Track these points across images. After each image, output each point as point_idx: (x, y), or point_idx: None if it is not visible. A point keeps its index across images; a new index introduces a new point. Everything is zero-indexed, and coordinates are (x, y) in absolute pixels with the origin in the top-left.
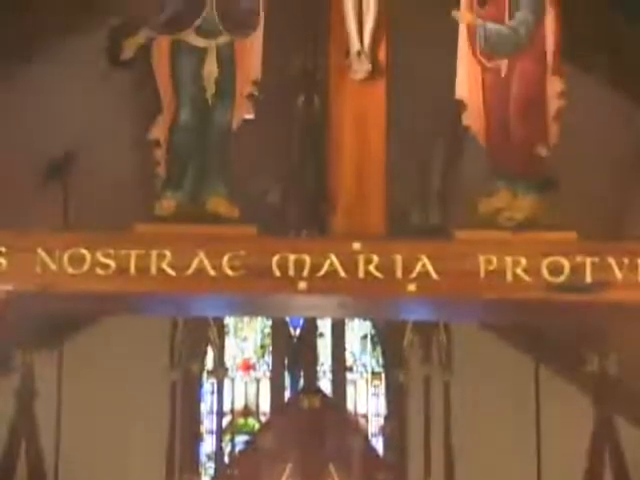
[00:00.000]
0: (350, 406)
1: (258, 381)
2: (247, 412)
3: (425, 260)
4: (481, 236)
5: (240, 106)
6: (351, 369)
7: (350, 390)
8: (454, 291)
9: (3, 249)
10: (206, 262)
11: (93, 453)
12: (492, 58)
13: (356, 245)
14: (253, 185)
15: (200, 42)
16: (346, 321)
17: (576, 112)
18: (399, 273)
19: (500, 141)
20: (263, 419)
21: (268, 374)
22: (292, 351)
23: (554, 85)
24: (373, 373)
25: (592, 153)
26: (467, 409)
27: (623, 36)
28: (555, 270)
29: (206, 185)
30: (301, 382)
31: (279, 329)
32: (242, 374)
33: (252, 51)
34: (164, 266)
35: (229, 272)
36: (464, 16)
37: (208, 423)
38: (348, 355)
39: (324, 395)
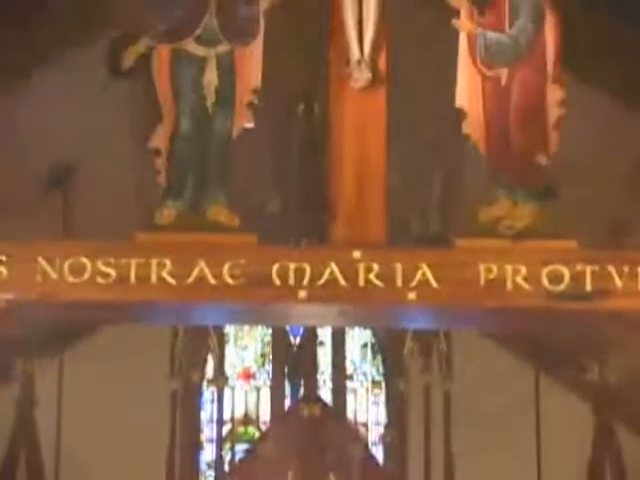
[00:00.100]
0: (350, 415)
1: (258, 390)
2: (247, 421)
3: (425, 268)
4: (481, 244)
5: (240, 115)
6: (351, 378)
7: (350, 399)
8: (454, 299)
9: (4, 258)
10: (206, 271)
11: (93, 461)
12: (492, 67)
13: (356, 254)
14: (253, 194)
15: (200, 51)
16: (346, 330)
17: (576, 121)
18: (399, 281)
19: (500, 150)
20: (263, 428)
21: (268, 383)
22: (292, 360)
23: (554, 94)
24: (373, 382)
25: (592, 162)
26: (467, 418)
27: (623, 45)
28: (555, 279)
29: (206, 194)
30: (301, 391)
31: (279, 338)
32: (242, 383)
33: (252, 60)
34: (164, 275)
35: (229, 281)
36: (464, 25)
37: (208, 431)
38: (348, 364)
39: (324, 404)
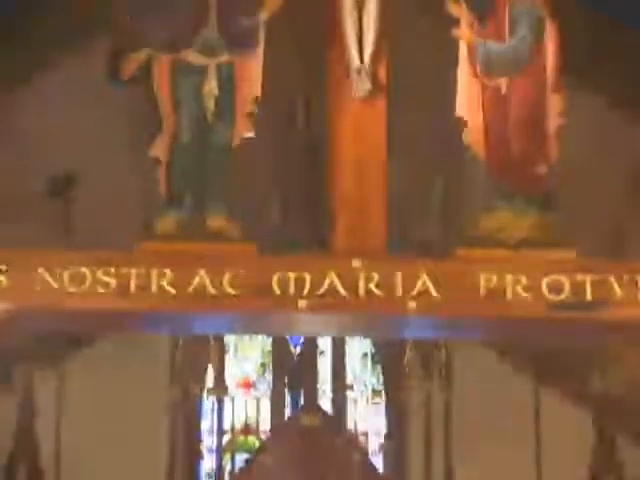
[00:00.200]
0: (350, 424)
1: (258, 399)
2: (247, 430)
3: (425, 278)
4: (481, 254)
5: (240, 124)
6: (351, 387)
7: (350, 408)
8: (454, 309)
9: (4, 267)
10: (207, 280)
11: (93, 470)
12: (492, 76)
13: (356, 263)
14: (253, 203)
15: (200, 60)
16: (346, 339)
17: (576, 130)
18: (399, 291)
19: (500, 159)
20: (263, 437)
21: (268, 392)
22: (292, 369)
23: (554, 103)
24: (373, 391)
25: (592, 171)
26: (467, 427)
27: (623, 53)
28: (555, 288)
29: (206, 203)
30: (301, 400)
31: (279, 347)
32: (242, 392)
33: (252, 70)
34: (165, 284)
35: (229, 290)
36: (464, 34)
37: (208, 441)
38: (348, 373)
39: (324, 413)
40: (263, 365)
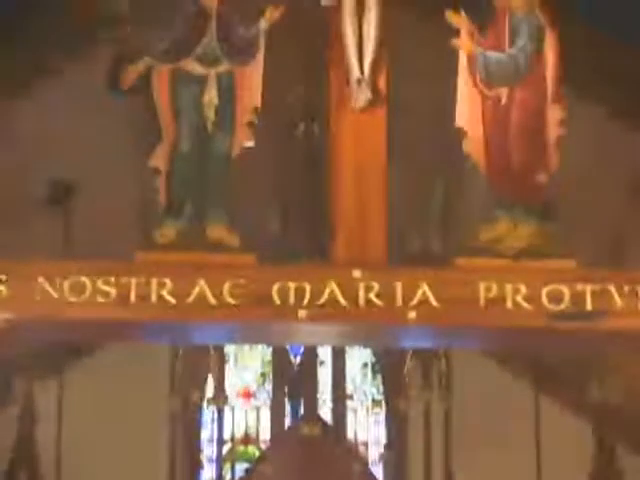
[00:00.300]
0: (350, 434)
1: (258, 409)
2: (247, 440)
3: (425, 288)
4: (481, 264)
5: (240, 134)
6: (351, 397)
7: (350, 418)
8: (454, 318)
9: (3, 277)
10: (206, 290)
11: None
12: (492, 86)
13: (356, 273)
14: (253, 213)
15: (200, 70)
16: (346, 349)
17: (576, 140)
18: (399, 301)
19: (500, 169)
20: (263, 447)
21: (268, 402)
22: (292, 379)
23: (554, 113)
24: (373, 401)
25: (592, 181)
26: (467, 436)
27: (622, 63)
28: (555, 298)
29: (206, 213)
30: (301, 410)
31: (279, 357)
32: (242, 402)
33: (252, 79)
34: (164, 294)
35: (229, 300)
36: (464, 44)
37: (208, 451)
38: (348, 383)
39: (324, 423)
40: (263, 375)
